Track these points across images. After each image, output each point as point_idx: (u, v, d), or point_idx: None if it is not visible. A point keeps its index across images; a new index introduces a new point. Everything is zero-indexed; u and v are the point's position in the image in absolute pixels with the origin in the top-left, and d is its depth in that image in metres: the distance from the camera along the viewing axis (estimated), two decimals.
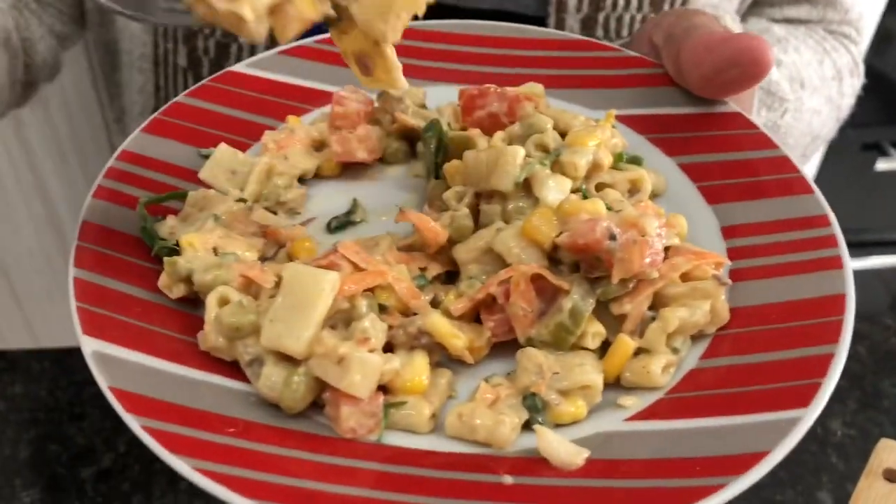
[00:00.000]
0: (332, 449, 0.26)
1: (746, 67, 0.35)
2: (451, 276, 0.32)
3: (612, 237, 0.28)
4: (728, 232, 0.33)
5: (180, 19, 0.33)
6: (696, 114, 0.38)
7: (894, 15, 1.25)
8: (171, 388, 0.26)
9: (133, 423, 0.25)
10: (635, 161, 0.36)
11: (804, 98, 0.52)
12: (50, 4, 0.58)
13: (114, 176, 0.34)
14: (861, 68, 0.60)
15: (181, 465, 0.24)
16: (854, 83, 0.60)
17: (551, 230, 0.29)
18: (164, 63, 0.53)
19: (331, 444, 0.26)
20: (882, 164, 1.34)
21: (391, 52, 0.30)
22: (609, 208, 0.31)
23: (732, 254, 0.32)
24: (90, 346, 0.27)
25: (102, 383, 0.26)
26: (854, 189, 1.39)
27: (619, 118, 0.38)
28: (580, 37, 0.42)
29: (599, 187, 0.33)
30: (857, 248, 1.42)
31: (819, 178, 1.37)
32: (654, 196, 0.35)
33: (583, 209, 0.29)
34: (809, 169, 1.37)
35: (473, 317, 0.30)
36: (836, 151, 1.35)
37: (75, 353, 0.57)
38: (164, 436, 0.24)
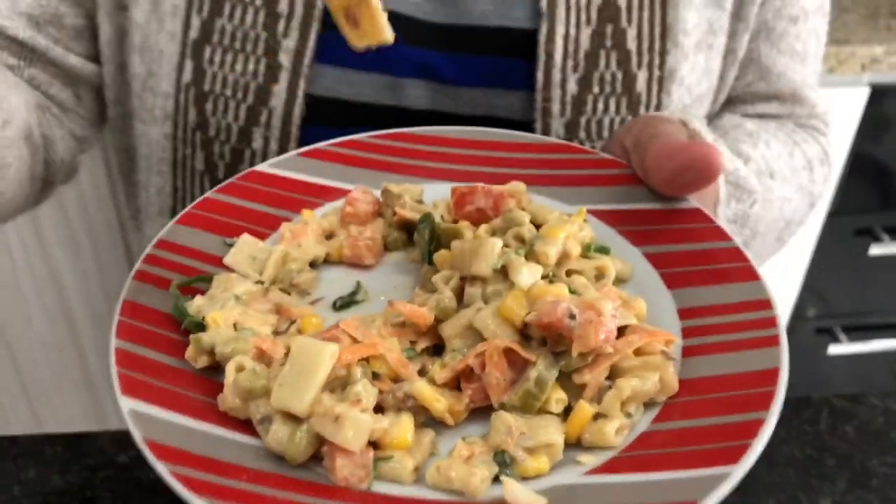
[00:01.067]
0: (328, 495, 0.30)
1: (700, 172, 0.40)
2: (437, 349, 0.37)
3: (572, 316, 0.33)
4: (683, 313, 0.38)
5: None
6: (661, 209, 0.43)
7: (880, 103, 1.31)
8: (195, 442, 0.31)
9: (162, 469, 0.30)
10: (603, 250, 0.41)
11: (774, 188, 0.57)
12: (71, 110, 0.61)
13: (150, 261, 0.39)
14: (831, 158, 0.66)
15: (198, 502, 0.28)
16: (825, 171, 0.65)
17: (522, 310, 0.34)
18: (181, 166, 0.59)
19: (327, 491, 0.30)
20: (875, 250, 1.38)
21: (376, 2, 0.35)
22: (573, 292, 0.35)
23: (686, 333, 0.37)
24: (127, 405, 0.32)
25: (138, 436, 0.31)
26: (849, 274, 1.42)
27: (593, 212, 0.43)
28: (560, 141, 0.48)
29: (569, 273, 0.38)
30: (859, 331, 1.45)
31: (814, 264, 1.41)
32: (620, 281, 0.40)
33: (549, 292, 0.34)
34: (803, 255, 1.41)
35: (455, 385, 0.34)
36: (830, 237, 1.39)
37: (86, 439, 0.60)
38: (187, 480, 0.29)
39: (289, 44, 0.53)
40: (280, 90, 0.52)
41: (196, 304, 0.37)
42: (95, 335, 1.50)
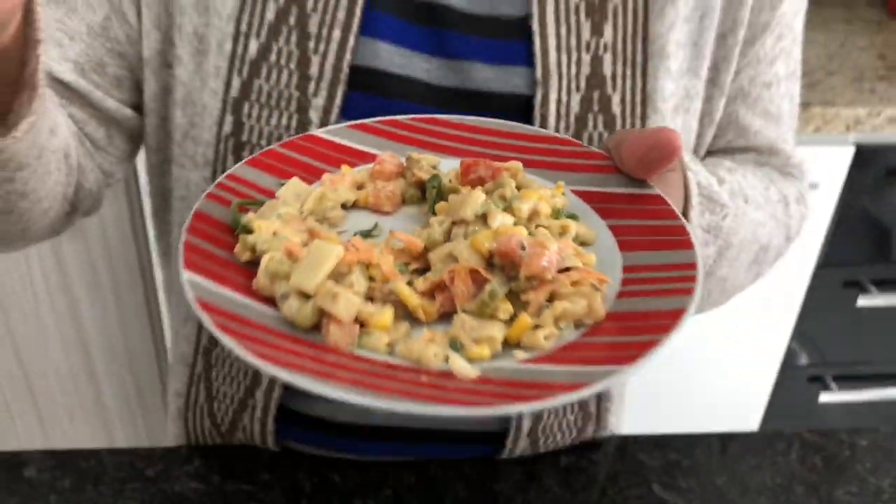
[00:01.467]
0: (321, 349, 0.41)
1: (662, 150, 0.49)
2: (424, 272, 0.47)
3: (523, 248, 0.43)
4: (627, 269, 0.48)
5: None
6: (630, 193, 0.52)
7: (865, 162, 1.37)
8: (232, 306, 0.43)
9: (205, 317, 0.41)
10: (572, 216, 0.51)
11: (748, 211, 0.65)
12: (102, 148, 0.66)
13: (220, 187, 0.51)
14: (807, 200, 0.73)
15: (229, 342, 0.39)
16: (801, 210, 0.72)
17: (489, 243, 0.45)
18: None
19: (320, 348, 0.41)
20: (863, 301, 1.42)
21: None
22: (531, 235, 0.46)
23: (625, 282, 0.46)
24: (186, 276, 0.43)
25: (191, 297, 0.42)
26: (839, 324, 1.47)
27: (575, 191, 0.53)
28: (558, 134, 0.58)
29: (537, 227, 0.48)
30: (850, 380, 1.49)
31: (804, 314, 1.46)
32: (584, 244, 0.50)
33: (510, 230, 0.45)
34: (793, 304, 1.45)
35: (431, 295, 0.45)
36: (819, 289, 1.44)
37: (117, 455, 0.68)
38: (223, 327, 0.40)
39: (318, 102, 0.60)
40: None
41: (247, 217, 0.48)
42: (110, 367, 1.54)
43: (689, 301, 0.43)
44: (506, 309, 0.43)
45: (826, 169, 1.37)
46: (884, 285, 1.42)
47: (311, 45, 0.60)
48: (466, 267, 0.44)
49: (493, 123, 0.59)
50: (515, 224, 0.47)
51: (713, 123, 0.68)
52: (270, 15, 0.60)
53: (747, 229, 0.65)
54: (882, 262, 1.42)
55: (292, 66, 0.60)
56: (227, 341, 0.40)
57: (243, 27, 0.60)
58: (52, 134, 0.54)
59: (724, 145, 0.71)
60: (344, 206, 0.53)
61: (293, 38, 0.60)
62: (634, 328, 0.42)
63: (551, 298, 0.44)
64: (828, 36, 1.66)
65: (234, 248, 0.47)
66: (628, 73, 0.62)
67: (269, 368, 0.38)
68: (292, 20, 0.60)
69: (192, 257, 0.45)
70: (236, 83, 0.61)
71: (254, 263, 0.46)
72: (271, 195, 0.52)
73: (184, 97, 0.63)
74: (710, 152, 0.71)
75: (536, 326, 0.43)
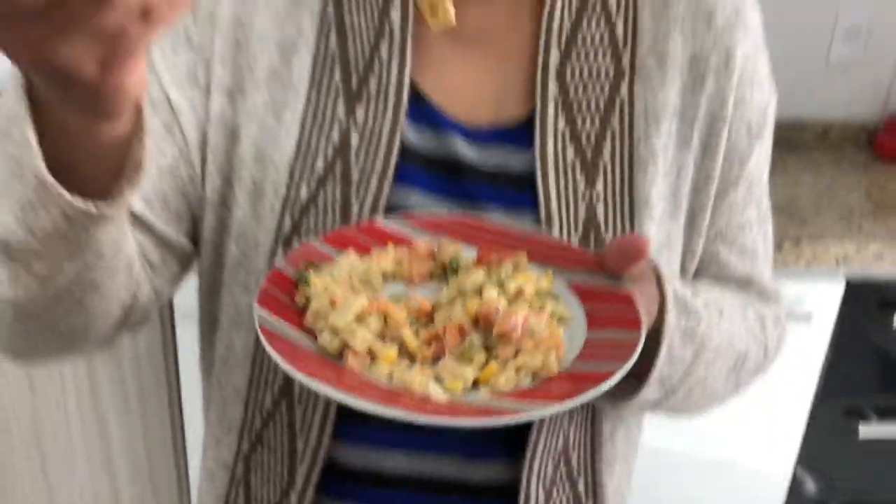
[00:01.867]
0: (340, 371, 0.57)
1: (632, 249, 0.62)
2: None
3: (497, 312, 0.58)
4: (588, 342, 0.62)
5: None
6: (607, 286, 0.67)
7: (856, 295, 1.44)
8: (285, 334, 0.59)
9: (263, 337, 0.57)
10: (554, 297, 0.65)
11: (723, 322, 0.74)
12: (157, 269, 0.71)
13: (296, 252, 0.69)
14: (784, 323, 0.83)
15: (275, 355, 0.56)
16: (779, 331, 0.82)
17: (476, 307, 0.60)
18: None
19: (340, 369, 0.57)
20: (864, 429, 1.46)
21: (449, 3, 0.60)
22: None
23: (584, 351, 0.60)
24: (257, 310, 0.60)
25: (257, 324, 0.59)
26: (840, 454, 1.50)
27: (568, 281, 0.68)
28: (560, 239, 0.72)
29: (519, 302, 0.63)
30: None
31: (806, 443, 1.50)
32: (562, 319, 0.64)
33: (493, 300, 0.60)
34: (795, 433, 1.50)
35: (429, 343, 0.60)
36: (819, 417, 1.49)
37: None
38: (278, 348, 0.57)
39: None
40: None
41: (307, 273, 0.65)
42: (132, 489, 1.57)
43: (621, 366, 0.57)
44: (479, 358, 0.58)
45: (819, 302, 1.47)
46: (886, 414, 1.46)
47: (353, 191, 0.71)
48: (456, 324, 0.59)
49: (510, 224, 0.75)
50: (500, 296, 0.62)
51: (695, 260, 0.78)
52: (319, 166, 0.70)
53: (722, 337, 0.74)
54: (882, 391, 1.47)
55: (336, 208, 0.70)
56: (274, 355, 0.56)
57: (296, 176, 0.70)
58: (124, 238, 0.59)
59: (707, 278, 0.80)
60: (384, 276, 0.69)
61: (338, 187, 0.71)
62: (578, 382, 0.56)
63: (516, 354, 0.58)
64: (817, 176, 1.79)
65: (295, 295, 0.64)
66: (618, 218, 0.73)
67: (299, 376, 0.54)
68: (338, 171, 0.70)
69: (265, 298, 0.62)
70: (287, 222, 0.70)
71: (307, 308, 0.63)
72: (330, 260, 0.69)
73: (239, 233, 0.71)
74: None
75: (503, 373, 0.58)
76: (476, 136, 0.74)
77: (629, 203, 0.74)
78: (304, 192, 0.71)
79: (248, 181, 0.71)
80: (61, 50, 0.38)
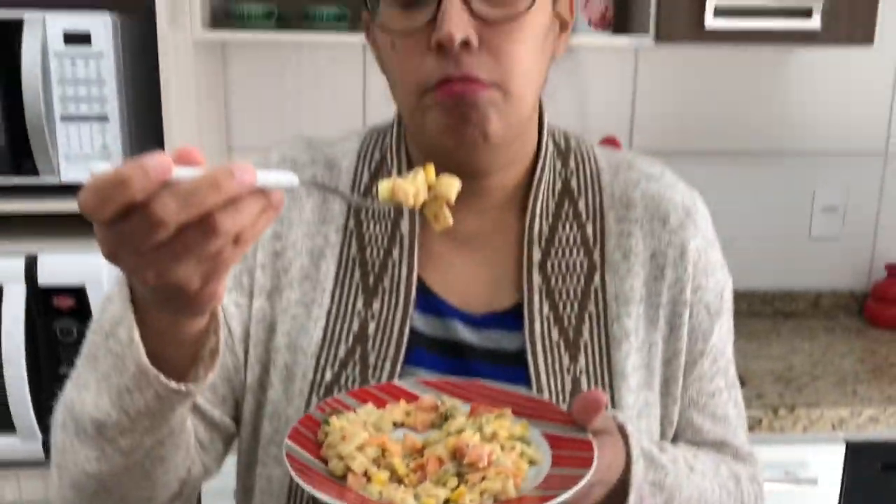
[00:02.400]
0: (343, 490, 0.72)
1: (592, 403, 0.76)
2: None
3: (468, 447, 0.73)
4: (548, 476, 0.75)
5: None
6: (573, 435, 0.81)
7: (858, 457, 1.53)
8: (306, 460, 0.76)
9: (287, 463, 0.74)
10: (525, 441, 0.79)
11: (693, 477, 0.82)
12: (205, 448, 0.80)
13: (326, 403, 0.86)
14: (760, 481, 0.92)
15: (295, 475, 0.72)
16: (755, 489, 0.90)
17: (454, 443, 0.75)
18: (294, 495, 0.83)
19: (342, 488, 0.73)
20: None
21: (447, 211, 0.70)
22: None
23: (544, 483, 0.74)
24: (286, 442, 0.77)
25: (285, 453, 0.76)
26: None
27: (543, 432, 0.82)
28: (542, 398, 0.87)
29: (493, 442, 0.78)
30: None
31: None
32: (532, 461, 0.78)
33: (468, 439, 0.75)
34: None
35: (416, 471, 0.75)
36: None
37: None
38: (298, 471, 0.73)
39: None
40: None
41: (330, 418, 0.82)
42: None
43: (565, 493, 0.70)
44: (452, 482, 0.73)
45: (822, 466, 1.51)
46: None
47: (370, 372, 0.83)
48: (437, 456, 0.75)
49: (504, 386, 0.90)
50: (476, 436, 0.78)
51: (672, 425, 0.88)
52: (342, 353, 0.83)
53: (692, 490, 0.83)
54: None
55: (356, 387, 0.82)
56: (294, 475, 0.72)
57: (322, 362, 0.82)
58: (188, 416, 0.68)
59: (684, 442, 0.89)
60: (395, 424, 0.86)
61: (357, 369, 0.83)
62: (528, 502, 0.70)
63: (482, 479, 0.73)
64: (812, 344, 1.86)
65: (318, 433, 0.81)
66: (599, 388, 0.84)
67: (313, 491, 0.70)
68: (357, 356, 0.83)
69: (295, 435, 0.79)
70: (314, 401, 0.82)
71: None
72: (351, 410, 0.86)
73: (272, 413, 0.82)
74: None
75: (469, 494, 0.72)
76: (474, 320, 0.90)
77: (608, 375, 0.87)
78: (328, 376, 0.83)
79: (282, 367, 0.83)
80: (177, 270, 0.48)
